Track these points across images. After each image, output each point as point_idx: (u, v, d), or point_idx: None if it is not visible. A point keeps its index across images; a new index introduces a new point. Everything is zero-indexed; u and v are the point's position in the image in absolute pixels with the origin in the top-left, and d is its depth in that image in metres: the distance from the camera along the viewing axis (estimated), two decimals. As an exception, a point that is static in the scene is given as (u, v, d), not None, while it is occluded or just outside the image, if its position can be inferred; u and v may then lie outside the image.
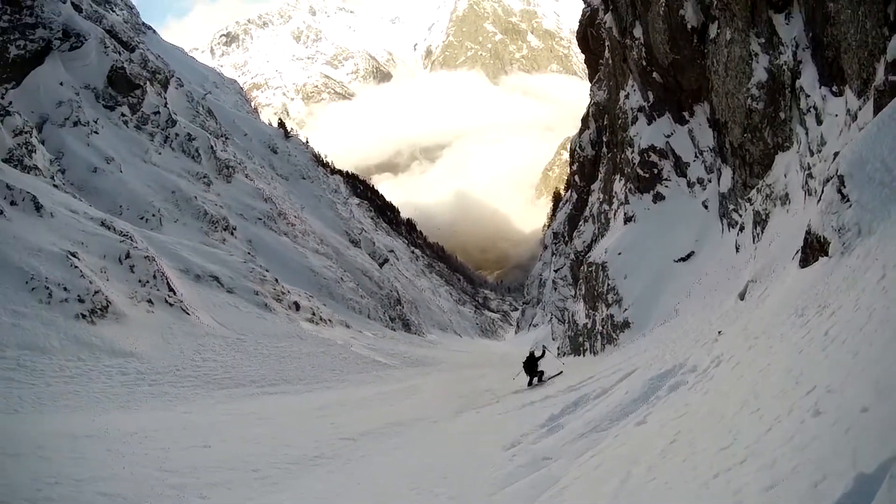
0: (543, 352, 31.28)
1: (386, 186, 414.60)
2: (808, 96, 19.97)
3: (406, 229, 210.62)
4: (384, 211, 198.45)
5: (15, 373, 25.13)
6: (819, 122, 19.03)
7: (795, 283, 14.17)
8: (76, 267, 33.71)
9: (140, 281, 38.61)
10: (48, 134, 58.71)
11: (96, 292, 33.00)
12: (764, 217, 23.77)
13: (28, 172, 45.59)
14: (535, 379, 29.68)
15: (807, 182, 19.06)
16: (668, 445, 9.46)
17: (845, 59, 16.53)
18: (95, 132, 62.90)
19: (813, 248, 13.74)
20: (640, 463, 9.35)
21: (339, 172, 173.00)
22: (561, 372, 30.44)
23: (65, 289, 31.80)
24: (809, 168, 18.90)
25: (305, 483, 15.80)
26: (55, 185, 47.33)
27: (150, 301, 37.44)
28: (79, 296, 32.06)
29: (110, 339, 31.02)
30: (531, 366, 29.82)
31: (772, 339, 11.60)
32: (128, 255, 39.63)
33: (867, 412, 5.57)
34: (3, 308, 28.89)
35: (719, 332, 16.69)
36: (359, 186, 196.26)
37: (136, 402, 26.18)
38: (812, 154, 19.33)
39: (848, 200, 12.28)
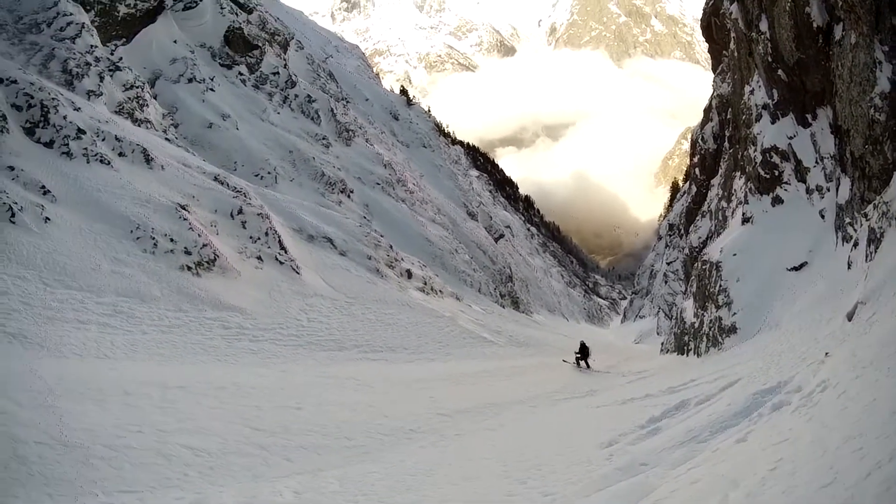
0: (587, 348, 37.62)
1: (508, 161, 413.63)
2: None
3: (524, 206, 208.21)
4: (503, 185, 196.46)
5: (111, 318, 25.54)
6: None
7: None
8: (185, 219, 34.30)
9: (251, 237, 39.15)
10: (161, 89, 59.53)
11: (204, 245, 33.56)
12: (879, 235, 22.75)
13: (139, 126, 46.42)
14: (584, 363, 36.97)
15: None
16: (769, 472, 9.41)
17: None
18: (211, 89, 63.71)
19: None
20: (739, 487, 9.35)
21: (460, 143, 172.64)
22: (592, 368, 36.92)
23: (171, 240, 32.32)
24: None
25: (397, 456, 16.23)
26: (167, 139, 48.12)
27: (259, 258, 37.97)
28: (185, 248, 32.62)
29: (215, 293, 31.51)
30: (583, 352, 37.05)
31: (879, 371, 11.45)
32: (240, 211, 40.22)
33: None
34: (104, 255, 29.38)
35: (826, 354, 16.41)
36: (479, 159, 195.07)
37: (234, 356, 26.69)
38: None
39: None
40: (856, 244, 26.15)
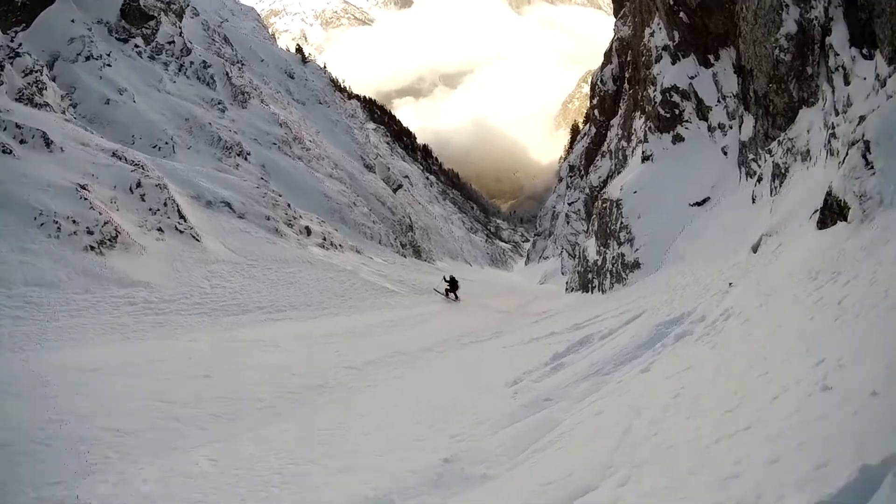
0: (456, 282, 42.79)
1: (407, 111, 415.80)
2: (838, 55, 19.46)
3: (422, 155, 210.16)
4: (401, 136, 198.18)
5: (22, 310, 24.96)
6: (847, 83, 18.64)
7: (811, 244, 14.10)
8: (85, 199, 33.30)
9: (151, 209, 38.28)
10: (60, 70, 58.53)
11: (105, 223, 32.61)
12: (783, 171, 23.41)
13: (39, 110, 45.25)
14: (452, 295, 41.75)
15: (829, 141, 18.70)
16: (672, 400, 9.43)
17: (878, 24, 16.06)
18: (108, 65, 62.59)
19: (832, 211, 13.60)
20: (642, 415, 9.33)
21: (357, 97, 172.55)
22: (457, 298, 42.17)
23: (74, 221, 31.40)
24: (833, 127, 18.49)
25: (308, 413, 15.95)
26: (67, 120, 46.75)
27: (160, 229, 37.18)
28: (88, 228, 31.70)
29: (119, 270, 30.86)
30: (452, 285, 41.89)
31: (784, 299, 11.55)
32: (139, 184, 39.32)
33: (877, 396, 5.49)
34: (10, 246, 28.64)
35: (730, 284, 16.58)
36: (376, 112, 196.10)
37: (143, 332, 26.12)
38: (837, 114, 18.93)
39: (872, 168, 12.14)
40: (760, 179, 26.67)
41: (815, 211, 14.97)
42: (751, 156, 29.18)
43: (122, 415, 15.14)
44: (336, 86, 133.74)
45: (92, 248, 31.15)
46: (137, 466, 12.35)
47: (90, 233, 31.62)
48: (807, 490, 4.66)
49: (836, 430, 5.40)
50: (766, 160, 25.93)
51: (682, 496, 6.01)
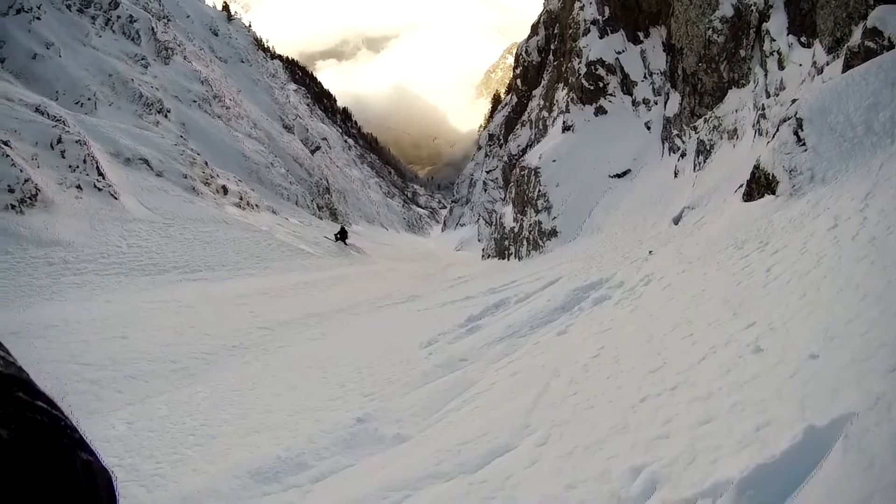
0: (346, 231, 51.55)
1: (329, 73, 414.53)
2: (774, 41, 20.01)
3: (341, 118, 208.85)
4: (321, 98, 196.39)
5: None
6: (781, 67, 19.22)
7: (736, 215, 14.21)
8: (7, 156, 32.53)
9: (70, 166, 37.32)
10: None
11: (26, 180, 31.85)
12: (708, 147, 23.76)
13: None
14: (342, 242, 49.14)
15: (759, 121, 19.25)
16: (592, 360, 9.38)
17: (821, 15, 16.44)
18: (38, 18, 60.40)
19: (759, 184, 13.73)
20: (561, 375, 9.26)
21: (280, 57, 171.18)
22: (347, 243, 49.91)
23: None
24: (764, 109, 19.05)
25: (221, 374, 15.88)
26: None
27: (79, 187, 36.26)
28: (9, 186, 30.99)
29: (38, 229, 30.38)
30: (342, 234, 50.33)
31: (707, 266, 11.56)
32: (59, 140, 38.30)
33: (816, 359, 5.35)
34: None
35: (650, 252, 16.65)
36: (298, 72, 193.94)
37: (60, 293, 25.81)
38: (769, 96, 19.47)
39: (804, 144, 12.28)
40: (683, 154, 26.96)
41: (741, 185, 15.10)
42: (675, 131, 29.43)
43: (42, 378, 14.20)
44: (260, 45, 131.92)
45: (12, 206, 30.66)
46: (57, 432, 12.19)
47: (11, 191, 31.03)
48: (747, 452, 4.48)
49: (772, 392, 5.26)
50: (690, 136, 26.21)
51: (608, 456, 5.83)
